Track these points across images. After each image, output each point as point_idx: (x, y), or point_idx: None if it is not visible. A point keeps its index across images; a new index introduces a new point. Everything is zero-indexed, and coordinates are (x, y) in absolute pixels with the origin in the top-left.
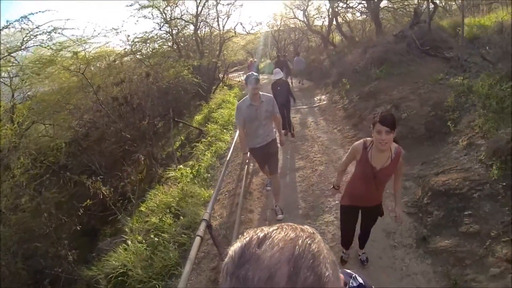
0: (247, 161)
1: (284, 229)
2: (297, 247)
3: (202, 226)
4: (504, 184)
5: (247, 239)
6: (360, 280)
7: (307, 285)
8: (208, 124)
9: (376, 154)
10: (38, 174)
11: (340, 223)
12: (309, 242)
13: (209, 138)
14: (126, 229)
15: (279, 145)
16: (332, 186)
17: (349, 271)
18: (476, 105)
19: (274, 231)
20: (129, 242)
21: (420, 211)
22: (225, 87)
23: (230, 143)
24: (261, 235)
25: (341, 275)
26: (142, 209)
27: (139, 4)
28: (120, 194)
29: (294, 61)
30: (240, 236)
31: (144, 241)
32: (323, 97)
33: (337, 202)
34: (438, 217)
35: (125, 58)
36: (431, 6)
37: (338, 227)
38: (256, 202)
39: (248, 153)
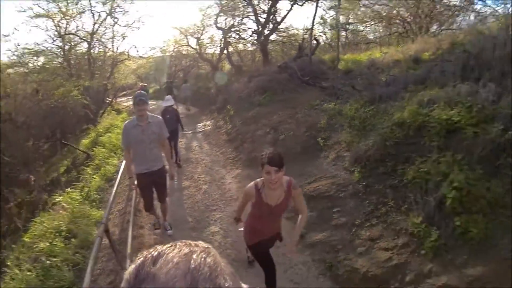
0: (133, 186)
1: (178, 246)
2: (192, 261)
3: (101, 228)
4: (364, 184)
5: (141, 259)
6: None
7: None
8: (96, 147)
9: (270, 192)
10: None
11: (258, 263)
12: (204, 256)
13: (97, 161)
14: (9, 262)
15: (168, 176)
16: (234, 219)
17: None
18: (343, 125)
19: (168, 248)
20: (17, 271)
21: (297, 215)
22: (113, 111)
23: (118, 166)
24: (155, 253)
25: None
26: (26, 239)
27: (34, 12)
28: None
29: (181, 88)
30: (134, 258)
31: (33, 267)
32: (208, 122)
33: (220, 215)
34: (313, 217)
35: (9, 70)
36: (314, 42)
37: (223, 236)
38: (146, 219)
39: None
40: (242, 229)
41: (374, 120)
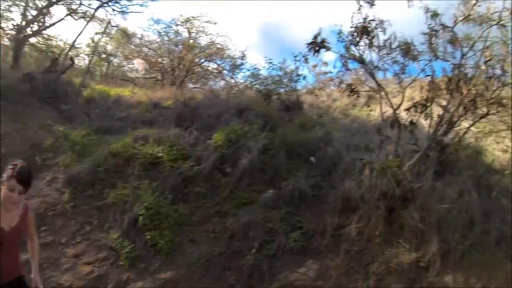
0: None
1: None
2: None
3: None
4: (72, 204)
5: None
6: None
7: None
8: None
9: (2, 213)
10: None
11: None
12: None
13: None
14: None
15: None
16: None
17: None
18: (67, 148)
19: None
20: None
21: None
22: None
23: None
24: None
25: None
26: None
27: None
28: None
29: None
30: None
31: None
32: None
33: None
34: None
35: None
36: (70, 62)
37: None
38: None
39: None
40: None
41: (94, 148)
